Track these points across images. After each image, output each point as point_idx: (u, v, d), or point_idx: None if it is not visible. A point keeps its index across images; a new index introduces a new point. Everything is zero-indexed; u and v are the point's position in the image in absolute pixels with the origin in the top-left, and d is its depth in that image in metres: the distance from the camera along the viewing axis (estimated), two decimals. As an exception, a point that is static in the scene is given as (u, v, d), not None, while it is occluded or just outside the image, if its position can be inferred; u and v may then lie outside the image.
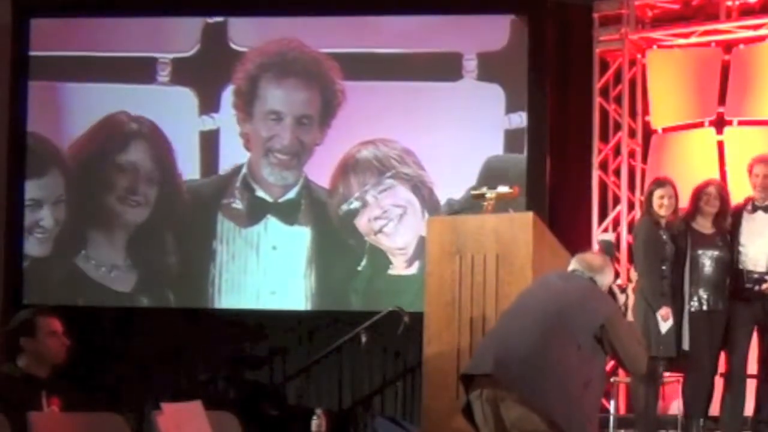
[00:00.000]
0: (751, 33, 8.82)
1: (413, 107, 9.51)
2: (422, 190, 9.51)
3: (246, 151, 9.78)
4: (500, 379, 4.78)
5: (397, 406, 8.93)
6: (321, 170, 9.68)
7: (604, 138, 9.21)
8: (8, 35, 9.83)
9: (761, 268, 7.00)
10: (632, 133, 9.19)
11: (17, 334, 5.33)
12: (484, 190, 6.46)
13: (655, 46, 9.18)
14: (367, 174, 9.60)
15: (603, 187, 9.18)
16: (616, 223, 9.09)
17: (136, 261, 9.75)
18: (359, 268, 9.51)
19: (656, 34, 9.15)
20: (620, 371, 7.87)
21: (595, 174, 9.14)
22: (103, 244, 9.79)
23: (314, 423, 5.42)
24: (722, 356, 7.14)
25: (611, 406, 7.96)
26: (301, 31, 9.76)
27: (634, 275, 7.50)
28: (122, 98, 9.88)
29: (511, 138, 9.36)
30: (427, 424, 6.15)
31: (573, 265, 5.22)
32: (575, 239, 7.74)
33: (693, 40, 9.00)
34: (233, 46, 9.84)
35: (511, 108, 9.37)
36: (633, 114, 9.19)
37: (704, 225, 7.13)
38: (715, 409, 7.15)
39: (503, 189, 6.44)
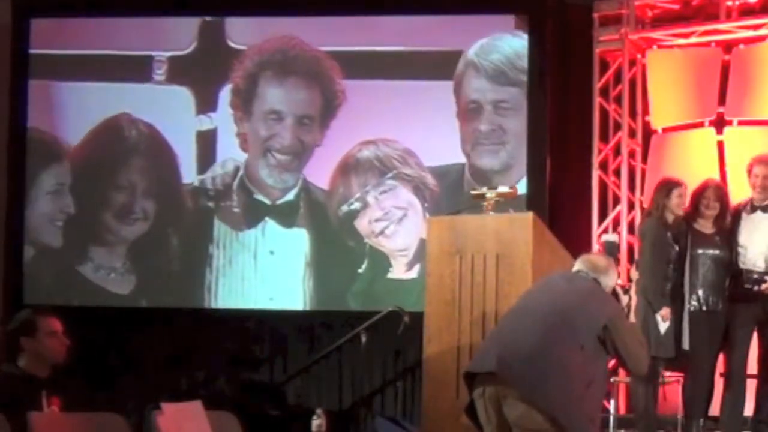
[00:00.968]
0: (751, 33, 8.82)
1: (415, 107, 9.41)
2: (424, 192, 9.42)
3: (242, 152, 9.66)
4: (503, 377, 4.79)
5: (397, 406, 8.92)
6: (320, 171, 9.56)
7: (604, 138, 9.20)
8: (8, 35, 9.79)
9: (760, 268, 7.00)
10: (632, 133, 9.18)
11: (17, 334, 5.34)
12: (484, 190, 6.47)
13: (655, 46, 9.17)
14: (368, 174, 9.49)
15: (603, 187, 9.17)
16: (616, 223, 9.09)
17: (134, 265, 9.67)
18: (359, 272, 9.41)
19: (656, 34, 9.14)
20: (620, 371, 7.88)
21: (595, 174, 9.14)
22: (102, 251, 9.72)
23: (314, 423, 5.43)
24: (722, 356, 7.14)
25: (611, 406, 7.96)
26: (301, 29, 9.65)
27: (634, 275, 7.49)
28: (117, 97, 9.76)
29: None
30: (427, 424, 6.15)
31: (577, 265, 5.23)
32: (575, 239, 7.75)
33: (693, 40, 9.00)
34: (231, 44, 9.73)
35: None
36: (633, 114, 9.19)
37: (704, 225, 7.13)
38: (715, 409, 7.15)
39: (503, 189, 6.45)
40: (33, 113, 9.85)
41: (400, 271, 9.30)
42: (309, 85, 9.66)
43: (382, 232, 9.44)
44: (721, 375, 7.13)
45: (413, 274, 9.22)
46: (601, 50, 9.22)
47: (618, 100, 9.21)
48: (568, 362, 4.80)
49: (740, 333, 7.01)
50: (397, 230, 9.39)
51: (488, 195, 6.33)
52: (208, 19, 9.78)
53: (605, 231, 9.05)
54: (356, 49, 9.58)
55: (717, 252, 7.06)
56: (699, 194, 7.12)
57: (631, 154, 9.16)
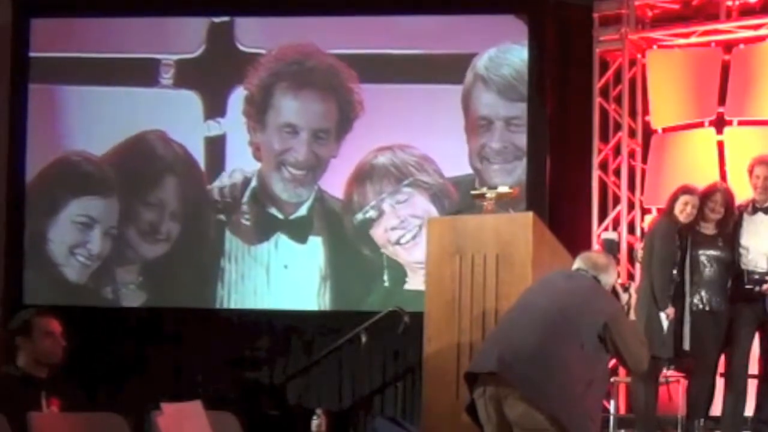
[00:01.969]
0: (751, 33, 8.81)
1: (432, 111, 9.18)
2: (442, 200, 9.14)
3: (255, 161, 9.42)
4: (503, 377, 4.79)
5: (397, 406, 8.92)
6: (335, 181, 9.32)
7: (604, 138, 9.20)
8: (8, 36, 9.74)
9: (762, 269, 7.00)
10: (632, 133, 9.18)
11: (15, 334, 5.35)
12: (484, 190, 6.48)
13: (655, 46, 9.17)
14: (383, 182, 9.22)
15: (603, 187, 9.17)
16: (616, 223, 9.08)
17: (146, 281, 9.50)
18: (375, 283, 9.15)
19: (656, 34, 9.14)
20: (620, 371, 7.88)
21: (595, 174, 9.14)
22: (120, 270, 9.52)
23: (314, 423, 5.43)
24: (723, 356, 7.15)
25: (611, 406, 7.96)
26: (313, 32, 9.40)
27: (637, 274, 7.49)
28: (122, 102, 9.57)
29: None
30: (427, 424, 6.15)
31: (577, 263, 5.23)
32: (575, 239, 7.75)
33: (693, 40, 9.00)
34: (241, 47, 9.52)
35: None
36: (633, 114, 9.18)
37: (707, 227, 7.13)
38: (716, 409, 7.15)
39: (503, 189, 6.46)
40: (32, 118, 9.70)
41: (417, 281, 8.70)
42: (325, 98, 9.43)
43: (398, 242, 9.17)
44: (722, 375, 7.13)
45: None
46: (601, 50, 9.22)
47: (618, 100, 9.20)
48: (568, 361, 4.79)
49: (741, 333, 7.01)
50: (415, 241, 9.05)
51: (488, 195, 6.34)
52: (216, 20, 9.56)
53: (605, 231, 9.04)
54: (371, 52, 9.36)
55: (719, 253, 7.06)
56: (706, 197, 7.11)
57: (631, 154, 9.16)
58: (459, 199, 8.98)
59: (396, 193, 9.21)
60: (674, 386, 7.52)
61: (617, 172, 9.15)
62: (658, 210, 8.34)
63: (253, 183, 9.42)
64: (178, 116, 9.57)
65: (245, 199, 9.40)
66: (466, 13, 9.27)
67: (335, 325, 8.97)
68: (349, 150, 9.34)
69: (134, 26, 9.62)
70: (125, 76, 9.58)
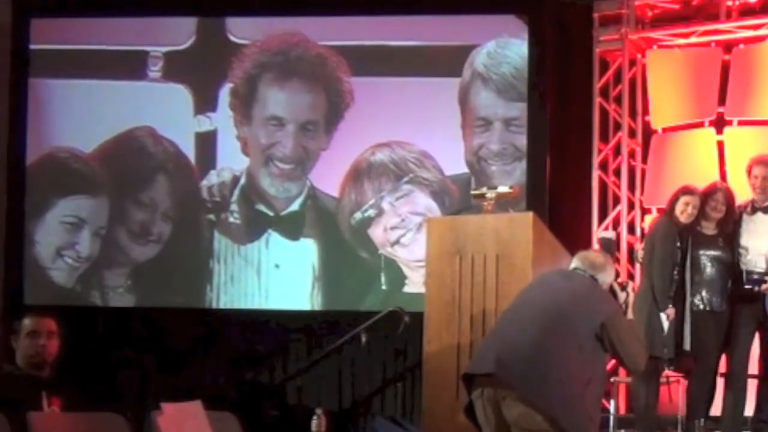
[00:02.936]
0: (751, 33, 8.82)
1: (429, 106, 8.96)
2: (443, 197, 8.93)
3: (244, 157, 9.14)
4: (501, 378, 4.79)
5: (397, 406, 8.92)
6: (328, 177, 9.04)
7: (604, 138, 9.20)
8: (8, 35, 9.69)
9: (761, 269, 7.00)
10: (632, 133, 9.18)
11: (9, 334, 5.41)
12: (484, 190, 6.48)
13: (655, 46, 9.17)
14: (382, 179, 8.98)
15: (603, 187, 9.17)
16: (616, 223, 9.08)
17: (134, 285, 9.29)
18: (372, 285, 8.93)
19: (656, 34, 9.14)
20: (620, 371, 7.88)
21: (595, 174, 9.14)
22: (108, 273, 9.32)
23: (314, 423, 5.42)
24: (723, 356, 7.15)
25: (611, 406, 7.96)
26: (305, 23, 9.13)
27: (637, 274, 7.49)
28: (109, 96, 9.24)
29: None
30: (427, 424, 6.14)
31: (575, 263, 5.23)
32: (575, 239, 7.74)
33: (693, 40, 9.00)
34: (232, 39, 9.21)
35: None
36: (633, 114, 9.19)
37: (707, 226, 7.13)
38: (716, 409, 7.15)
39: (503, 189, 6.45)
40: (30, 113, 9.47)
41: (416, 284, 8.47)
42: (313, 88, 9.14)
43: (398, 241, 8.96)
44: (722, 375, 7.13)
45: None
46: (601, 50, 9.22)
47: (618, 100, 9.21)
48: (566, 361, 4.79)
49: (741, 333, 7.01)
50: (415, 239, 8.77)
51: (488, 195, 6.33)
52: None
53: (605, 230, 9.04)
54: (364, 44, 9.09)
55: (719, 253, 7.06)
56: (707, 197, 7.11)
57: (631, 154, 9.16)
58: (460, 196, 8.84)
59: (395, 191, 9.03)
60: (674, 386, 7.52)
61: (617, 172, 9.16)
62: (658, 210, 8.35)
63: (242, 180, 9.16)
64: (167, 111, 9.25)
65: (234, 197, 9.13)
66: (466, 13, 9.23)
67: (335, 325, 8.97)
68: (341, 143, 9.09)
69: (121, 18, 9.30)
70: (111, 68, 9.23)
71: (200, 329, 9.31)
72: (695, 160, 8.88)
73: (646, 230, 8.23)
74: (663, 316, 6.90)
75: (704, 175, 8.18)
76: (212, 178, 9.23)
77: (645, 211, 9.02)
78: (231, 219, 9.15)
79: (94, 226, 9.34)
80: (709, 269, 7.05)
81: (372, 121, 9.05)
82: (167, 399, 5.06)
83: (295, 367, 9.10)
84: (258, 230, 9.15)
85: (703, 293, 7.03)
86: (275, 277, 9.11)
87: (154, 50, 9.23)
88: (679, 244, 7.04)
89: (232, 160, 9.23)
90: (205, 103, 9.24)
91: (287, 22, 9.26)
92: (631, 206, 9.09)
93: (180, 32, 9.25)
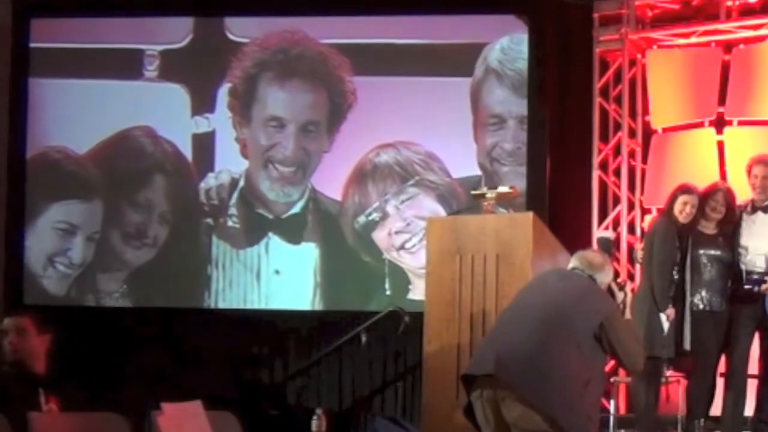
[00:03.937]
0: (751, 33, 8.81)
1: (435, 106, 8.77)
2: (450, 200, 8.73)
3: (243, 159, 8.91)
4: (501, 379, 4.79)
5: (397, 406, 8.92)
6: (330, 180, 8.83)
7: (604, 138, 9.20)
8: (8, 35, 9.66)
9: (761, 269, 7.00)
10: (632, 133, 9.18)
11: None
12: (484, 190, 6.48)
13: (655, 46, 9.17)
14: (387, 181, 8.75)
15: (603, 187, 9.17)
16: (616, 223, 9.08)
17: (130, 290, 9.12)
18: (376, 291, 8.69)
19: (656, 34, 9.14)
20: (620, 371, 7.88)
21: (595, 174, 9.14)
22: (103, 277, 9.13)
23: (314, 423, 5.43)
24: (723, 356, 7.15)
25: (611, 406, 7.96)
26: (306, 21, 8.91)
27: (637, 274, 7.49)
28: (104, 96, 9.03)
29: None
30: (427, 424, 6.14)
31: (573, 262, 5.23)
32: (575, 239, 7.73)
33: (693, 40, 9.00)
34: (231, 37, 9.00)
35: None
36: (633, 114, 9.19)
37: (707, 226, 7.13)
38: (716, 409, 7.15)
39: (503, 189, 6.46)
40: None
41: (421, 291, 7.78)
42: (314, 88, 8.91)
43: (403, 246, 8.75)
44: (722, 375, 7.13)
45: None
46: (601, 50, 9.22)
47: (618, 100, 9.20)
48: (565, 362, 4.80)
49: (741, 333, 7.01)
50: (421, 245, 8.28)
51: (488, 195, 6.34)
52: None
53: (604, 230, 9.04)
54: (368, 42, 8.87)
55: (719, 253, 7.06)
56: (708, 197, 7.11)
57: (631, 154, 9.16)
58: (467, 200, 8.44)
59: (400, 194, 8.84)
60: (674, 386, 7.52)
61: (617, 172, 9.15)
62: (658, 210, 8.34)
63: (241, 183, 8.94)
64: (163, 112, 9.02)
65: (233, 201, 8.91)
66: (466, 13, 9.21)
67: (335, 325, 8.97)
68: (344, 145, 8.89)
69: (120, 17, 9.09)
70: (106, 68, 9.02)
71: (200, 329, 9.30)
72: (695, 160, 8.88)
73: (646, 230, 8.23)
74: (663, 316, 6.90)
75: (704, 175, 8.18)
76: (210, 181, 9.04)
77: (645, 211, 9.02)
78: (230, 223, 8.96)
79: (88, 231, 9.14)
80: (709, 269, 7.05)
81: (376, 121, 8.85)
82: (167, 399, 5.06)
83: (295, 367, 9.10)
84: (257, 234, 8.95)
85: (703, 293, 7.03)
86: (275, 282, 8.95)
87: (150, 49, 9.02)
88: (678, 243, 7.04)
89: (230, 163, 9.04)
90: (203, 104, 9.02)
91: (288, 21, 9.10)
92: (631, 206, 9.08)
93: (177, 30, 9.04)
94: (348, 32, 9.03)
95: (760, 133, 8.70)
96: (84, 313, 9.25)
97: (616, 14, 9.12)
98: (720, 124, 8.88)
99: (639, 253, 7.49)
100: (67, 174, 9.27)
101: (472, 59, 8.97)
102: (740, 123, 8.83)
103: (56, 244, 9.22)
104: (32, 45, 9.27)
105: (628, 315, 5.30)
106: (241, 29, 9.05)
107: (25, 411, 4.78)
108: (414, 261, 8.70)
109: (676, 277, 7.02)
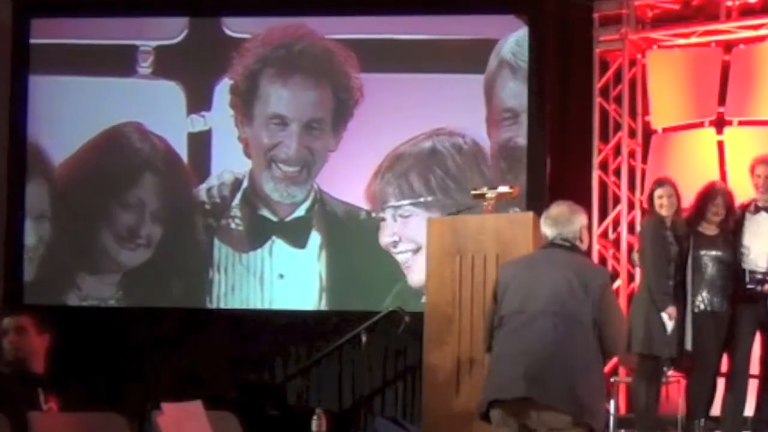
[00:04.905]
0: (751, 33, 8.81)
1: (446, 102, 8.59)
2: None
3: (245, 159, 8.68)
4: (537, 400, 4.77)
5: (397, 406, 8.92)
6: (337, 180, 8.59)
7: (604, 138, 9.20)
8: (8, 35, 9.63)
9: (763, 269, 7.00)
10: (632, 133, 9.18)
11: None
12: (484, 190, 6.48)
13: (655, 46, 9.17)
14: (400, 182, 8.55)
15: (603, 187, 9.17)
16: (616, 223, 9.08)
17: (126, 296, 8.92)
18: (383, 296, 8.48)
19: (656, 34, 9.14)
20: (620, 371, 7.88)
21: (595, 174, 9.14)
22: (93, 280, 8.91)
23: (314, 423, 5.42)
24: (723, 356, 7.15)
25: (611, 406, 7.96)
26: (309, 21, 8.70)
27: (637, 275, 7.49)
28: (96, 93, 8.81)
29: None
30: (427, 424, 6.15)
31: (546, 231, 5.13)
32: (575, 239, 7.72)
33: (693, 40, 9.00)
34: (228, 32, 8.77)
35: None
36: (633, 114, 9.18)
37: (708, 227, 7.13)
38: (716, 409, 7.15)
39: (503, 189, 6.46)
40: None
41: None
42: (318, 84, 8.64)
43: (415, 250, 8.50)
44: (722, 375, 7.13)
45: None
46: (601, 50, 9.22)
47: (618, 100, 9.20)
48: (587, 361, 4.86)
49: (743, 333, 7.01)
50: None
51: (488, 195, 6.33)
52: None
53: (605, 231, 9.06)
54: (375, 37, 8.63)
55: (720, 253, 7.06)
56: (707, 199, 7.10)
57: (631, 154, 9.15)
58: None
59: (413, 196, 8.65)
60: (674, 386, 7.52)
61: (617, 172, 9.15)
62: (658, 210, 8.34)
63: (245, 184, 8.70)
64: (157, 110, 8.78)
65: (236, 201, 8.68)
66: (466, 13, 9.20)
67: (335, 325, 8.97)
68: (351, 144, 8.67)
69: (120, 17, 8.89)
70: (99, 64, 8.81)
71: (200, 329, 9.29)
72: (695, 160, 8.88)
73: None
74: (665, 315, 6.89)
75: (704, 175, 8.18)
76: (212, 181, 8.84)
77: (645, 211, 9.01)
78: (232, 225, 8.74)
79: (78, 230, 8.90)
80: (710, 269, 7.04)
81: (384, 119, 8.60)
82: (167, 399, 5.06)
83: (295, 367, 9.10)
84: (261, 237, 8.74)
85: (704, 294, 7.03)
86: (279, 287, 8.77)
87: (144, 45, 8.78)
88: (672, 240, 7.03)
89: (227, 163, 8.83)
90: (199, 102, 8.79)
91: (289, 21, 8.96)
92: (631, 206, 9.08)
93: (172, 25, 8.81)
94: (351, 27, 8.88)
95: (760, 133, 8.70)
96: (84, 313, 9.24)
97: (616, 14, 9.12)
98: (720, 124, 8.88)
99: (635, 255, 7.50)
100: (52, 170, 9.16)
101: (477, 56, 8.89)
102: (740, 123, 8.83)
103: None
104: (31, 41, 9.12)
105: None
106: (237, 24, 8.82)
107: (25, 411, 4.77)
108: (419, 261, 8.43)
109: (673, 274, 7.01)
